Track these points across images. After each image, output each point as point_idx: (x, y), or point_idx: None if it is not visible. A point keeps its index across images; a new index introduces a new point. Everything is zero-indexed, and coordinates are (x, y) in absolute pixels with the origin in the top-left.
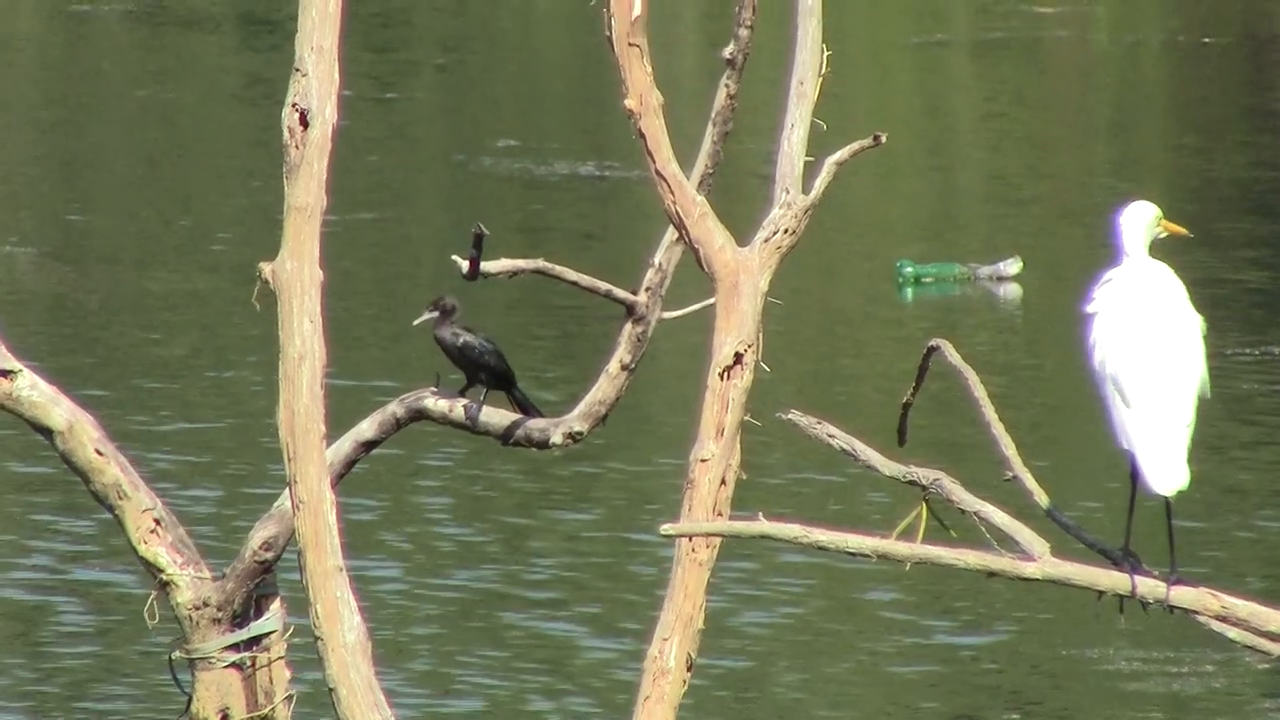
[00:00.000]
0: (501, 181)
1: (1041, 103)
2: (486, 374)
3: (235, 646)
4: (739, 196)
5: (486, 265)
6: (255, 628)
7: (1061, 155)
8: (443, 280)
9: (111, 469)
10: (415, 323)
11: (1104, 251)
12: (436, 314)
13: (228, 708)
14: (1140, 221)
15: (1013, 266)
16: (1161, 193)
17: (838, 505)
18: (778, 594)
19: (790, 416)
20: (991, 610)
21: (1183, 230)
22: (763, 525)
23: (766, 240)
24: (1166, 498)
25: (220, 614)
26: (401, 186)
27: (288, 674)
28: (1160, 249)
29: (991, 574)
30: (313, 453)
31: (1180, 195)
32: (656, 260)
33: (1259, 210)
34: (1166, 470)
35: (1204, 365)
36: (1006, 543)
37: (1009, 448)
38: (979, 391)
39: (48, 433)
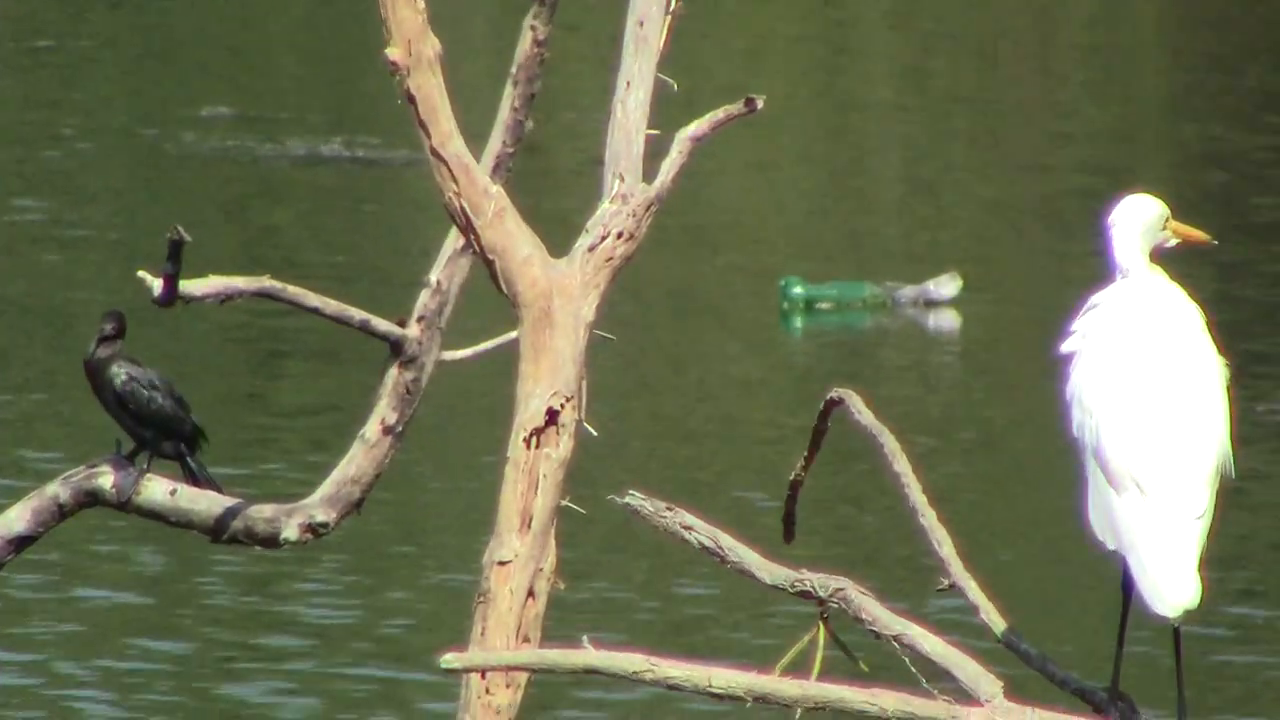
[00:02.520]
0: (209, 165)
1: (987, 55)
2: (154, 431)
3: None
4: (555, 187)
5: (188, 285)
6: None
7: (1019, 131)
8: (125, 305)
9: None
10: (88, 356)
11: (1083, 266)
12: (109, 329)
13: None
14: (1138, 223)
15: (948, 287)
16: (1165, 182)
17: (700, 624)
18: None
19: (629, 500)
20: None
21: (1201, 235)
22: (589, 655)
23: (593, 248)
24: (1175, 621)
25: None
26: (68, 173)
27: None
28: (1169, 263)
29: None
30: None
31: (1189, 186)
32: (433, 277)
33: None
34: (1172, 582)
35: (1226, 430)
36: (940, 679)
37: (944, 544)
38: (900, 464)
39: None
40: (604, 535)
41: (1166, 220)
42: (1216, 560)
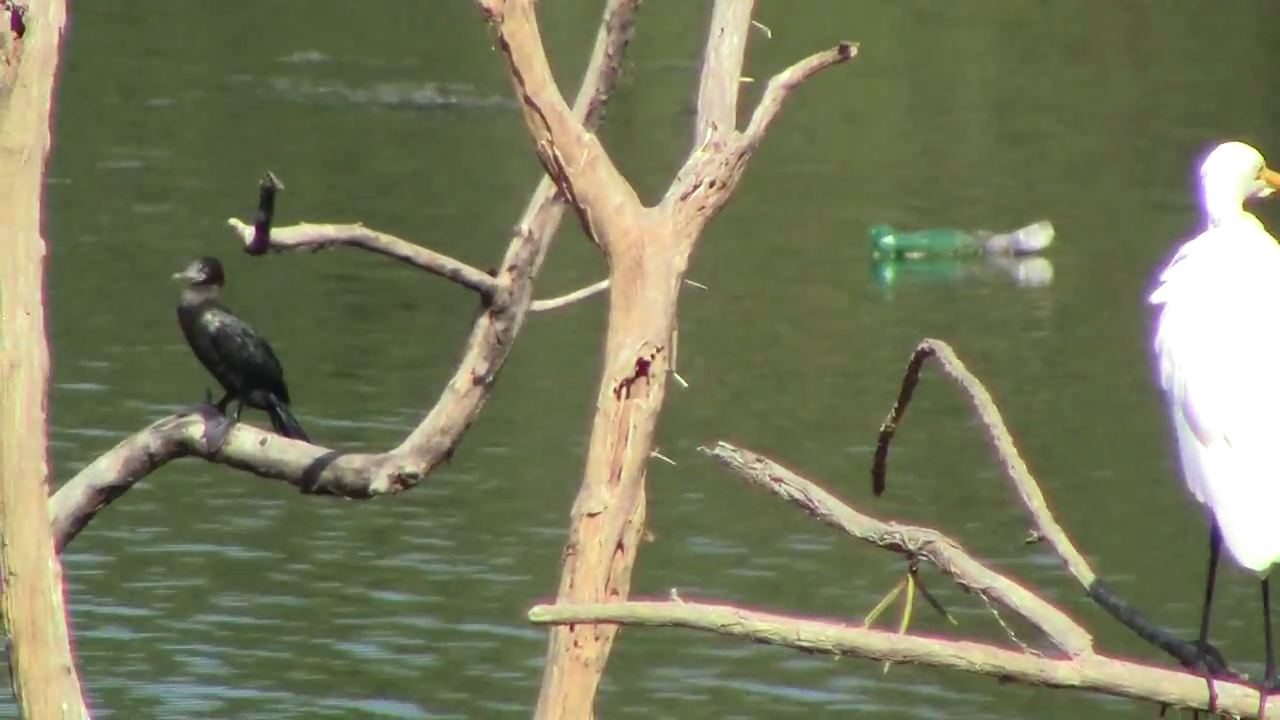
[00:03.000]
0: (301, 113)
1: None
2: (244, 378)
3: None
4: (647, 135)
5: (279, 233)
6: None
7: (1111, 79)
8: (219, 254)
9: None
10: (177, 275)
11: (1175, 216)
12: (202, 275)
13: None
14: (1231, 172)
15: (1039, 236)
16: (1263, 134)
17: (789, 577)
18: (705, 707)
19: (719, 452)
20: None
21: None
22: (677, 608)
23: (685, 197)
24: (1261, 574)
25: None
26: (157, 120)
27: None
28: (1263, 211)
29: (1007, 678)
30: (30, 503)
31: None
32: (524, 226)
33: None
34: (1259, 535)
35: None
36: (1030, 633)
37: (1034, 497)
38: (990, 415)
39: None
40: (694, 487)
41: (1260, 169)
42: None
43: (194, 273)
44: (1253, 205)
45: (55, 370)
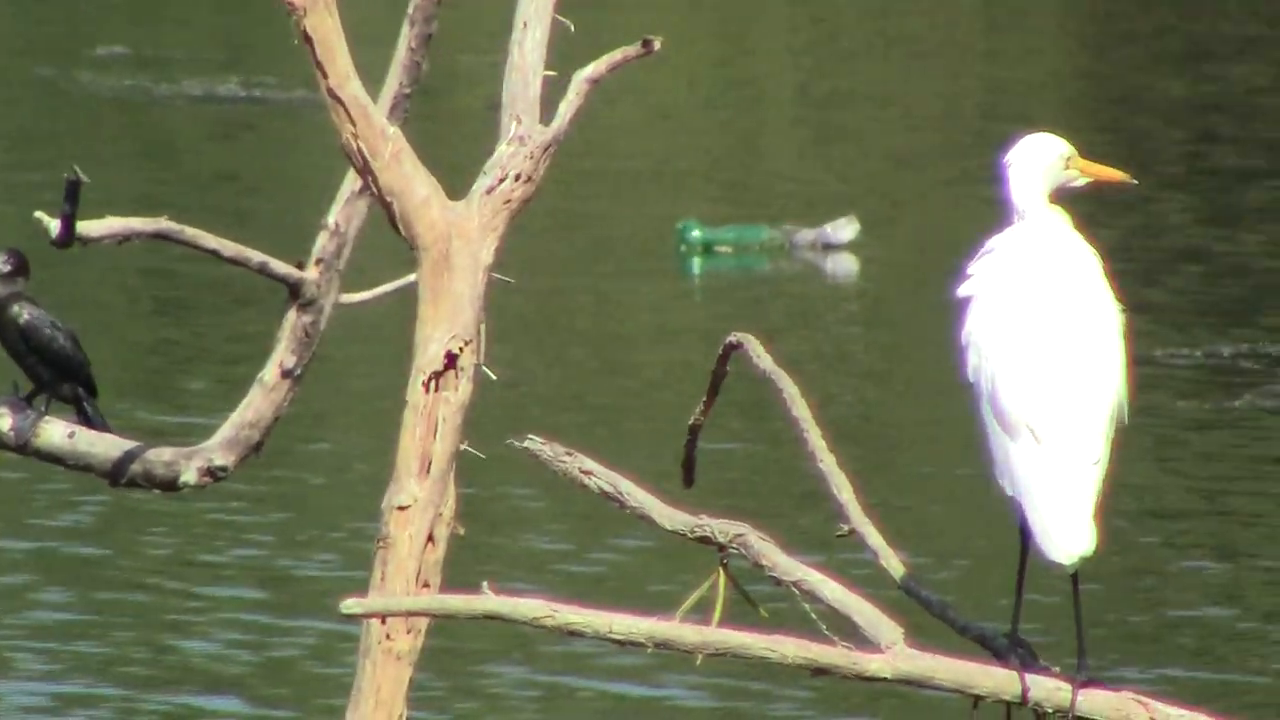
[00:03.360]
0: (108, 106)
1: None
2: (52, 371)
3: None
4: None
5: (85, 226)
6: None
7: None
8: (26, 247)
9: None
10: None
11: (981, 210)
12: (8, 267)
13: None
14: (1037, 163)
15: (846, 230)
16: (1070, 122)
17: (601, 570)
18: (520, 699)
19: (529, 444)
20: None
21: (1116, 174)
22: (489, 601)
23: (490, 190)
24: (1070, 568)
25: None
26: None
27: None
28: (1079, 207)
29: (819, 670)
30: None
31: (1097, 124)
32: (331, 219)
33: (1205, 140)
34: (1067, 530)
35: (1122, 377)
36: (841, 626)
37: (844, 490)
38: (799, 409)
39: None
40: (507, 482)
41: (1069, 159)
42: (1115, 509)
43: (3, 264)
44: (1065, 197)
45: None
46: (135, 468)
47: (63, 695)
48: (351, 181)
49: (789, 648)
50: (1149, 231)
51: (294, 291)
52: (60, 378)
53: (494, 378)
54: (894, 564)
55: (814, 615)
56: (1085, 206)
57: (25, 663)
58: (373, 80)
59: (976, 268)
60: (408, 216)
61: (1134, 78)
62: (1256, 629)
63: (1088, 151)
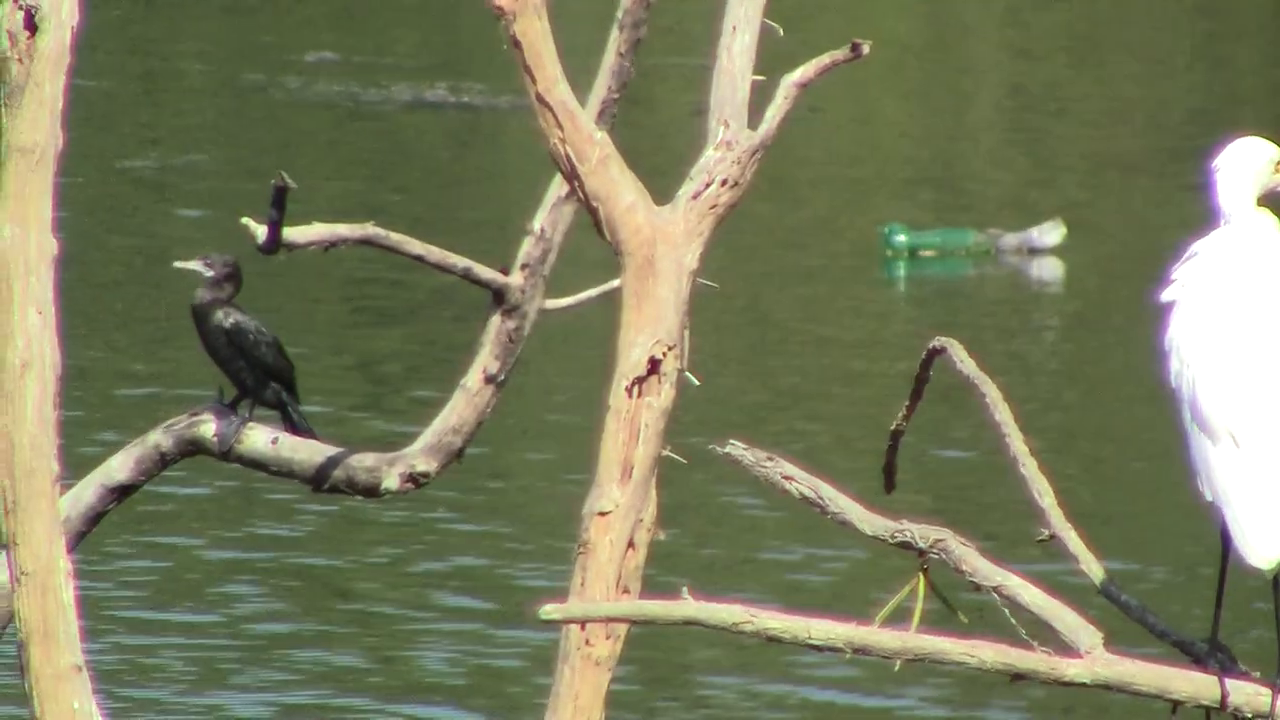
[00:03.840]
0: (314, 111)
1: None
2: (256, 376)
3: None
4: (659, 133)
5: (291, 233)
6: None
7: (1127, 75)
8: (233, 252)
9: None
10: (178, 264)
11: (1187, 213)
12: (210, 271)
13: None
14: (1245, 167)
15: (1052, 234)
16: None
17: (800, 576)
18: (720, 705)
19: (730, 450)
20: None
21: None
22: (688, 606)
23: (697, 196)
24: (1270, 572)
25: None
26: (169, 119)
27: None
28: None
29: (1018, 676)
30: (41, 502)
31: None
32: (537, 224)
33: None
34: (1267, 534)
35: None
36: (1041, 631)
37: (1045, 495)
38: (1001, 414)
39: None
40: (705, 485)
41: (1278, 164)
42: None
43: (198, 266)
44: (1273, 202)
45: (67, 369)
46: (337, 473)
47: (279, 704)
48: (558, 187)
49: (987, 653)
50: None
51: (498, 297)
52: (264, 383)
53: (696, 383)
54: (1094, 569)
55: (1013, 620)
56: None
57: (237, 675)
58: (580, 85)
59: (1181, 272)
60: (613, 221)
61: None
62: None
63: None
